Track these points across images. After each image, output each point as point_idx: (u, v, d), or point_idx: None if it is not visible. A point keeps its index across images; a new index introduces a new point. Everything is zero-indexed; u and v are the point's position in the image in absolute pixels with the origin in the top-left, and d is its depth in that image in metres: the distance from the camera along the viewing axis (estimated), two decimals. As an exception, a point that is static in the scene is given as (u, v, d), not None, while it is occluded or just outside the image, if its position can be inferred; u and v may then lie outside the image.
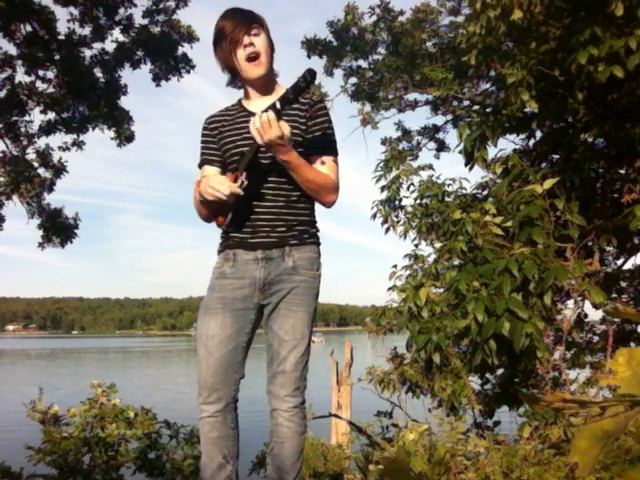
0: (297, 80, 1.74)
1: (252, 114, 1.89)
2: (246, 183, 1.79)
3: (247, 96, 1.98)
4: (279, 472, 1.88)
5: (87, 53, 8.49)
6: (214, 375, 1.83)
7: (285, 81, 1.95)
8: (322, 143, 1.91)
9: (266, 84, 1.93)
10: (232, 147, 1.90)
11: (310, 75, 1.73)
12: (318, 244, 1.96)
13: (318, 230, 1.98)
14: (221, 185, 1.74)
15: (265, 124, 1.70)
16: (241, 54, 1.84)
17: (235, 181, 1.80)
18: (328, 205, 1.94)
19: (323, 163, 1.90)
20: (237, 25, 1.83)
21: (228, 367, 1.84)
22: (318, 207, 2.00)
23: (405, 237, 5.27)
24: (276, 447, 1.89)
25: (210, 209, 1.87)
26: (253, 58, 1.84)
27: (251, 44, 1.83)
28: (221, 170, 1.95)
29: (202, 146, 1.99)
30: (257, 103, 1.92)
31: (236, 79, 1.95)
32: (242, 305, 1.87)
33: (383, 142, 10.22)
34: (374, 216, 5.58)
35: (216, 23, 1.87)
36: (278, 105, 1.73)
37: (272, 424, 1.91)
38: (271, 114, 1.71)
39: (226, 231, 1.93)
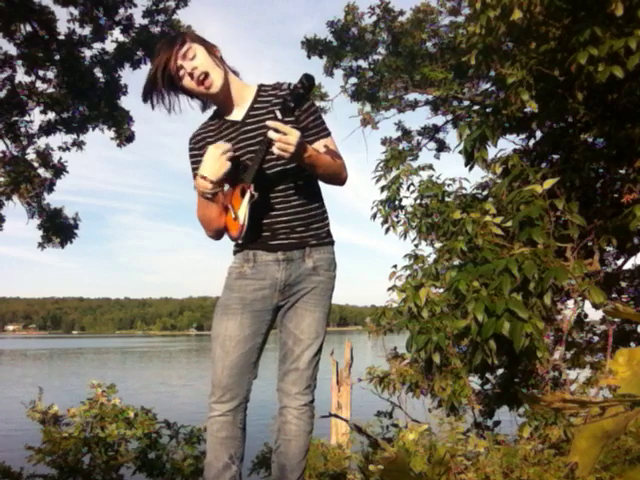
0: (294, 88, 1.69)
1: (235, 122, 1.88)
2: (256, 196, 1.77)
3: (222, 108, 1.93)
4: (284, 470, 1.89)
5: (87, 53, 8.48)
6: (230, 375, 1.83)
7: (285, 81, 1.94)
8: (315, 128, 1.89)
9: (230, 91, 1.87)
10: None
11: (307, 80, 1.68)
12: (333, 243, 1.98)
13: (330, 225, 2.00)
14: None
15: (282, 133, 1.65)
16: (191, 83, 1.79)
17: (243, 194, 1.78)
18: (343, 182, 1.96)
19: (326, 147, 1.89)
20: (169, 57, 1.76)
21: (243, 367, 1.85)
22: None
23: (405, 237, 5.27)
24: (283, 445, 1.90)
25: (215, 206, 1.85)
26: (203, 79, 1.78)
27: (194, 68, 1.77)
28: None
29: (193, 167, 1.93)
30: (235, 110, 1.90)
31: (207, 100, 1.92)
32: (261, 306, 1.87)
33: (383, 142, 10.23)
34: (374, 216, 5.58)
35: (149, 71, 1.81)
36: (279, 115, 1.70)
37: (280, 421, 1.91)
38: (276, 122, 1.68)
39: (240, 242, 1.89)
